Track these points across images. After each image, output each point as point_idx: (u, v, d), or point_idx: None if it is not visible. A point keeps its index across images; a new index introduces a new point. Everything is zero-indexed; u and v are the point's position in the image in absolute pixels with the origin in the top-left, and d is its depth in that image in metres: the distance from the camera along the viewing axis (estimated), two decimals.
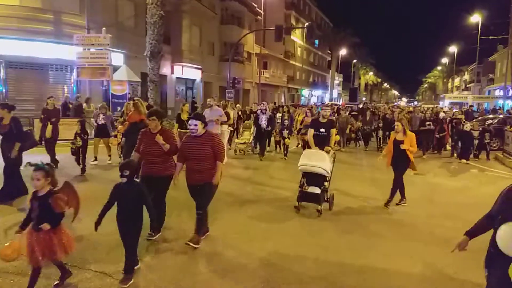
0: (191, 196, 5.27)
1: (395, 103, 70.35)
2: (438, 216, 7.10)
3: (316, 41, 61.36)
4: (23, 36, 17.15)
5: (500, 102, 36.07)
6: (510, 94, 35.61)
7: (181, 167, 5.23)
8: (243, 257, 5.00)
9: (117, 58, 19.04)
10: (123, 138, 9.94)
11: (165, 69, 24.01)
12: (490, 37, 44.60)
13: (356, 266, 4.89)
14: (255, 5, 36.09)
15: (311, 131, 7.76)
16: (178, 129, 10.43)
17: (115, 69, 17.44)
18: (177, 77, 26.05)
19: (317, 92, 65.70)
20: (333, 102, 45.72)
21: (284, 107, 17.16)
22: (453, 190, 9.32)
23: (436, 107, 37.71)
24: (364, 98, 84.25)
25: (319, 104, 39.54)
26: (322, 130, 7.57)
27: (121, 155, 10.05)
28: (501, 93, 36.90)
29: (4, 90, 17.47)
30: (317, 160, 6.87)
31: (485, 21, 42.67)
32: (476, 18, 41.84)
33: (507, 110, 26.32)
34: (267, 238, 5.65)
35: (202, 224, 5.26)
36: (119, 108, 12.35)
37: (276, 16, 42.86)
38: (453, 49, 62.09)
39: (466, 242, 3.04)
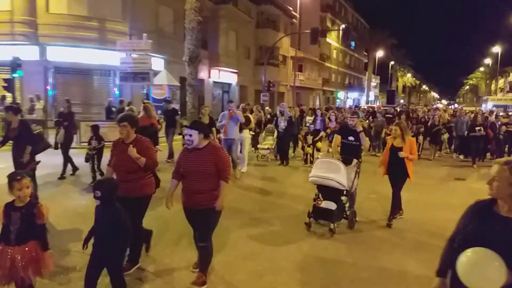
0: (188, 221, 4.34)
1: (434, 106, 68.26)
2: None
3: (352, 43, 60.46)
4: (70, 43, 18.10)
5: None
6: None
7: (176, 185, 4.22)
8: None
9: (158, 63, 19.68)
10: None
11: (203, 73, 24.54)
12: None
13: None
14: (291, 8, 36.17)
15: (337, 138, 7.02)
16: None
17: (156, 73, 18.04)
18: (214, 81, 26.57)
19: (353, 95, 64.80)
20: (369, 105, 45.00)
21: (317, 110, 16.45)
22: None
23: (479, 109, 36.37)
24: (402, 101, 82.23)
25: (353, 106, 39.10)
26: (351, 138, 6.71)
27: None
28: None
29: (53, 94, 18.48)
30: (330, 171, 5.93)
31: None
32: None
33: None
34: (262, 273, 4.63)
35: (207, 258, 4.28)
36: (159, 112, 12.75)
37: (312, 19, 42.73)
38: (496, 49, 59.51)
39: (442, 284, 2.40)
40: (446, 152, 16.06)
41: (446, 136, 15.52)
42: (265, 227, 6.29)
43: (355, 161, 6.53)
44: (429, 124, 14.84)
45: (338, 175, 5.90)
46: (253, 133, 12.81)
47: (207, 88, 25.79)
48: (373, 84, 67.06)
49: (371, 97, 66.17)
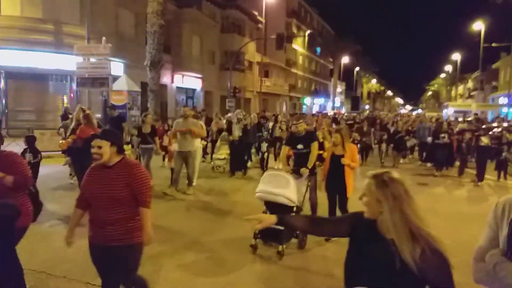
0: (93, 265, 3.23)
1: (399, 111, 70.15)
2: None
3: (318, 49, 61.39)
4: (24, 47, 17.17)
5: (504, 110, 35.81)
6: None
7: (81, 216, 3.27)
8: None
9: (117, 67, 19.00)
10: (68, 158, 8.66)
11: (166, 79, 23.95)
12: (493, 44, 44.49)
13: None
14: (256, 13, 36.17)
15: (285, 149, 6.57)
16: (141, 145, 8.97)
17: (115, 79, 17.38)
18: (177, 87, 26.01)
19: (319, 101, 65.57)
20: (335, 111, 45.57)
21: (278, 116, 15.79)
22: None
23: (440, 115, 37.49)
24: (367, 106, 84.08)
25: (319, 112, 39.28)
26: (299, 146, 6.22)
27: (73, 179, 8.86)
28: (505, 100, 36.62)
29: (3, 101, 17.42)
30: (278, 185, 5.28)
31: (487, 29, 42.58)
32: (478, 26, 41.77)
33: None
34: None
35: None
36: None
37: (277, 24, 42.91)
38: (456, 56, 61.90)
39: None
40: (409, 160, 15.55)
41: (411, 142, 15.01)
42: (203, 253, 5.45)
43: (306, 172, 6.00)
44: (391, 131, 14.40)
45: (286, 190, 5.25)
46: (205, 143, 11.92)
47: (170, 93, 25.21)
48: (338, 90, 68.13)
49: (337, 103, 67.15)
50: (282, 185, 5.28)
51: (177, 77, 25.59)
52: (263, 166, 11.87)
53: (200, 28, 27.99)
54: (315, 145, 6.19)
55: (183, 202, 8.24)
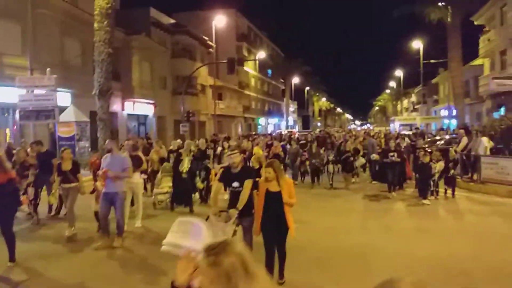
0: None
1: (348, 127, 72.58)
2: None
3: (269, 71, 62.80)
4: None
5: (446, 121, 38.09)
6: (453, 114, 37.77)
7: None
8: None
9: (64, 98, 18.44)
10: None
11: (116, 106, 23.50)
12: (431, 61, 47.53)
13: None
14: (206, 38, 36.55)
15: (217, 187, 5.70)
16: (61, 184, 8.02)
17: (62, 109, 16.84)
18: (128, 114, 25.56)
19: (274, 120, 66.69)
20: (289, 130, 46.42)
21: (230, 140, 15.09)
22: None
23: (387, 129, 39.25)
24: (319, 124, 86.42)
25: (274, 132, 39.72)
26: (235, 184, 5.42)
27: None
28: (446, 113, 39.02)
29: None
30: (187, 236, 4.43)
31: (426, 47, 45.57)
32: (417, 44, 44.59)
33: (453, 130, 27.73)
34: None
35: None
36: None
37: (228, 48, 43.60)
38: (399, 72, 65.48)
39: None
40: (360, 179, 14.95)
41: (360, 162, 14.51)
42: None
43: (234, 214, 5.08)
44: (339, 150, 14.06)
45: (197, 241, 4.62)
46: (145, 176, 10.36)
47: (121, 121, 24.72)
48: (291, 109, 69.69)
49: (290, 122, 68.53)
50: (194, 235, 4.17)
51: (128, 104, 25.19)
52: (202, 198, 10.85)
53: (150, 54, 27.87)
54: (248, 183, 5.32)
55: (116, 251, 7.06)
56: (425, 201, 10.45)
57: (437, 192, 11.14)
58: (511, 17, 24.84)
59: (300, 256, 6.60)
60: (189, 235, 3.78)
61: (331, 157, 13.57)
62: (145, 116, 28.10)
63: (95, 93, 17.54)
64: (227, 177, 5.62)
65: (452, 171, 11.30)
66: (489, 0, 28.41)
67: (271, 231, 5.20)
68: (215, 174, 10.74)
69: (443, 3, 26.40)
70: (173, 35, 32.64)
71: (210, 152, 13.00)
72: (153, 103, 27.56)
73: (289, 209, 5.26)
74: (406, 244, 7.21)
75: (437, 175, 10.89)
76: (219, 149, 13.51)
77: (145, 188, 11.12)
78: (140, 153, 9.24)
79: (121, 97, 24.63)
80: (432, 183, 10.88)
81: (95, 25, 16.46)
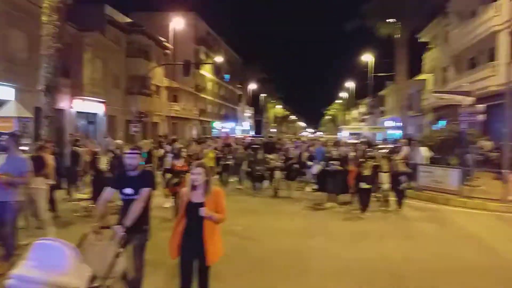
0: None
1: (300, 134, 74.10)
2: None
3: (226, 76, 62.96)
4: None
5: (390, 132, 39.99)
6: (398, 125, 39.72)
7: None
8: None
9: (8, 92, 17.55)
10: None
11: (63, 103, 22.58)
12: (380, 74, 49.79)
13: None
14: (164, 39, 36.09)
15: (106, 194, 4.52)
16: None
17: (2, 104, 15.99)
18: (77, 111, 24.64)
19: (229, 125, 66.79)
20: (246, 135, 46.70)
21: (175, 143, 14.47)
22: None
23: (335, 138, 40.47)
24: (274, 130, 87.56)
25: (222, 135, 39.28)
26: (128, 190, 4.40)
27: None
28: (391, 124, 40.97)
29: None
30: (44, 265, 3.27)
31: (376, 60, 47.71)
32: (368, 58, 46.59)
33: (396, 140, 29.14)
34: None
35: None
36: None
37: (186, 51, 43.24)
38: (349, 84, 67.97)
39: None
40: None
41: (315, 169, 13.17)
42: None
43: (119, 230, 4.07)
44: (284, 157, 13.72)
45: (55, 272, 3.25)
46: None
47: (68, 119, 23.77)
48: (247, 114, 70.18)
49: (246, 127, 68.97)
50: (50, 264, 3.27)
51: (77, 101, 24.27)
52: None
53: (104, 52, 27.09)
54: (145, 193, 4.39)
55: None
56: (362, 215, 9.88)
57: (386, 201, 10.53)
58: (454, 35, 26.62)
59: (242, 257, 6.78)
60: (45, 263, 3.02)
61: (278, 164, 12.95)
62: (95, 115, 27.20)
63: (41, 89, 16.84)
64: (119, 181, 4.52)
65: (403, 185, 10.46)
66: (434, 19, 30.31)
67: (188, 253, 4.07)
68: None
69: (392, 20, 27.83)
70: (129, 34, 31.92)
71: (155, 154, 12.59)
72: (103, 102, 26.75)
73: (214, 226, 4.10)
74: (342, 247, 7.56)
75: (385, 186, 10.27)
76: (161, 151, 12.77)
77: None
78: (46, 155, 8.00)
79: (70, 94, 23.72)
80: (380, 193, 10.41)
81: (44, 18, 15.79)
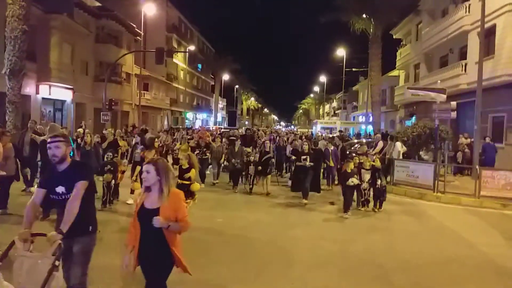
0: None
1: (274, 127, 74.30)
2: None
3: (199, 65, 62.08)
4: None
5: (363, 127, 40.65)
6: (370, 120, 40.44)
7: None
8: None
9: None
10: None
11: (29, 89, 21.51)
12: (353, 69, 50.46)
13: None
14: (134, 25, 34.99)
15: (34, 197, 3.62)
16: None
17: None
18: (43, 98, 23.53)
19: (202, 116, 66.04)
20: (218, 126, 46.23)
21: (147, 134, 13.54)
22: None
23: (308, 131, 40.80)
24: (247, 122, 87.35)
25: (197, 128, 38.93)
26: (60, 189, 3.57)
27: None
28: (364, 119, 41.62)
29: None
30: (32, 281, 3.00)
31: (350, 55, 48.30)
32: (341, 52, 47.03)
33: (368, 134, 29.60)
34: None
35: None
36: None
37: (157, 38, 42.23)
38: (323, 78, 68.59)
39: None
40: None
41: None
42: None
43: (54, 238, 3.20)
44: (259, 151, 13.07)
45: None
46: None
47: (34, 105, 22.68)
48: (220, 106, 69.60)
49: (219, 118, 68.41)
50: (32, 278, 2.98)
51: (43, 87, 23.16)
52: (105, 202, 9.01)
53: (72, 36, 25.93)
54: (78, 188, 3.49)
55: None
56: (345, 215, 9.26)
57: (367, 202, 10.06)
58: (426, 33, 27.16)
59: (224, 250, 6.67)
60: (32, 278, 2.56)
61: (252, 158, 12.12)
62: (63, 102, 26.09)
63: (5, 72, 15.99)
64: (49, 180, 3.65)
65: (379, 182, 9.95)
66: (407, 17, 30.83)
67: (145, 268, 3.53)
68: (122, 172, 9.56)
69: (367, 15, 28.10)
70: (98, 18, 30.70)
71: (123, 144, 11.58)
72: (71, 88, 25.68)
73: (174, 237, 3.46)
74: (324, 239, 7.53)
75: (365, 185, 9.85)
76: (126, 142, 12.03)
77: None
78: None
79: (36, 79, 22.60)
80: (362, 192, 9.92)
81: None
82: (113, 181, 9.01)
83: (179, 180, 7.95)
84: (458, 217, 10.16)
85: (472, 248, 7.41)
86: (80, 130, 12.19)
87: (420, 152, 15.43)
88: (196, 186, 7.80)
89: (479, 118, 14.50)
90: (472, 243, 7.72)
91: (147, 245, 3.42)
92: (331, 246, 7.12)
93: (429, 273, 6.03)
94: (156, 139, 11.41)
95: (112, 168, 9.02)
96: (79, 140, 11.39)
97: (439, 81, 18.73)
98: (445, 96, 13.99)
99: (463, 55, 22.69)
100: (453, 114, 14.03)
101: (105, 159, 9.32)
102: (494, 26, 18.68)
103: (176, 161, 11.40)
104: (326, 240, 7.39)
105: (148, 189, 3.46)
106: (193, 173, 7.86)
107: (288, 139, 18.72)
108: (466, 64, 21.30)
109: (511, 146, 17.67)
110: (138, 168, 8.70)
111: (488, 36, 18.43)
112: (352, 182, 9.37)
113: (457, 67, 22.02)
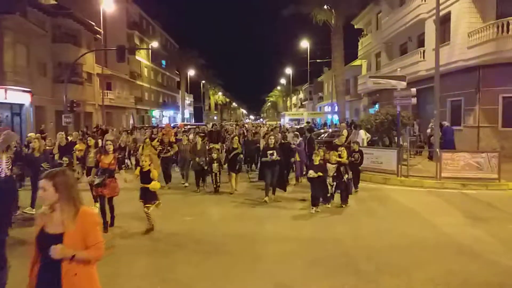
0: None
1: (244, 121, 74.27)
2: None
3: (163, 62, 61.05)
4: None
5: (329, 116, 41.24)
6: (336, 110, 41.08)
7: None
8: None
9: None
10: None
11: None
12: (317, 60, 50.99)
13: None
14: (93, 23, 33.93)
15: None
16: None
17: None
18: (0, 102, 22.49)
19: (169, 113, 65.09)
20: (185, 123, 45.71)
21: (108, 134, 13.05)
22: None
23: (277, 123, 41.01)
24: (215, 117, 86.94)
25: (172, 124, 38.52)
26: None
27: None
28: (329, 109, 42.23)
29: None
30: None
31: (313, 46, 48.70)
32: (305, 44, 47.39)
33: (335, 124, 30.08)
34: None
35: None
36: None
37: (118, 36, 41.14)
38: (288, 70, 68.97)
39: None
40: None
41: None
42: None
43: None
44: (225, 147, 12.45)
45: None
46: None
47: None
48: (187, 102, 68.82)
49: (187, 115, 67.67)
50: None
51: None
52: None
53: (26, 36, 24.84)
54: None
55: None
56: (313, 209, 8.89)
57: (332, 197, 9.55)
58: (385, 23, 27.77)
59: (192, 248, 6.63)
60: None
61: (215, 155, 11.18)
62: (21, 106, 25.01)
63: None
64: None
65: (346, 176, 9.41)
66: (367, 7, 31.40)
67: None
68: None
69: (328, 6, 28.39)
70: (54, 17, 29.48)
71: (83, 148, 10.23)
72: (29, 91, 24.65)
73: (86, 271, 2.75)
74: (292, 233, 7.58)
75: (330, 180, 9.33)
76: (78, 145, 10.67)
77: None
78: None
79: None
80: (328, 188, 9.36)
81: None
82: None
83: (141, 184, 7.64)
84: (420, 199, 10.50)
85: (434, 229, 7.68)
86: (32, 134, 11.48)
87: (386, 139, 15.82)
88: (156, 185, 7.46)
89: (437, 103, 15.01)
90: (434, 224, 8.00)
91: (46, 281, 2.66)
92: (299, 239, 7.17)
93: (393, 257, 6.19)
94: (109, 141, 10.00)
95: None
96: (31, 145, 10.33)
97: (399, 69, 19.18)
98: (405, 83, 14.37)
99: (421, 43, 23.37)
100: (414, 100, 14.40)
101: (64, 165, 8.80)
102: (449, 13, 19.33)
103: (139, 163, 10.68)
104: (294, 234, 7.44)
105: (51, 208, 2.76)
106: (154, 174, 7.54)
107: (255, 132, 18.42)
108: (424, 51, 21.96)
109: (468, 128, 18.42)
110: (94, 171, 8.08)
111: (444, 23, 19.07)
112: (311, 174, 8.88)
113: (416, 55, 22.67)
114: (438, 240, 6.96)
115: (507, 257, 6.06)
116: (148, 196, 7.53)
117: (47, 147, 11.03)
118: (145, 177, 7.57)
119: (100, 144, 9.64)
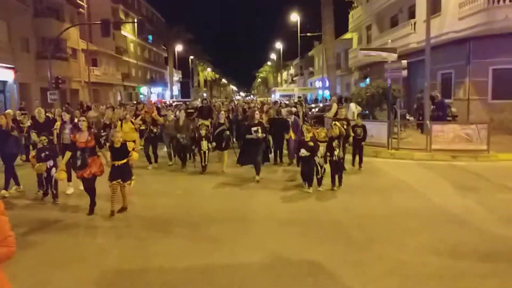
0: None
1: (234, 98, 73.63)
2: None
3: (150, 37, 59.65)
4: None
5: (320, 92, 41.03)
6: (327, 85, 40.84)
7: None
8: None
9: None
10: None
11: None
12: (308, 34, 50.27)
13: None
14: None
15: None
16: None
17: None
18: None
19: (157, 90, 64.20)
20: (175, 99, 45.14)
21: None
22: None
23: (267, 99, 40.75)
24: (205, 94, 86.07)
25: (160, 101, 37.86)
26: None
27: None
28: (320, 84, 41.98)
29: None
30: None
31: (303, 20, 47.93)
32: (295, 17, 46.58)
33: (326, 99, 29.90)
34: None
35: None
36: None
37: (102, 10, 39.97)
38: (279, 45, 68.03)
39: None
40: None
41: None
42: None
43: None
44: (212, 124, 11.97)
45: None
46: None
47: None
48: (175, 78, 67.73)
49: (175, 92, 66.79)
50: None
51: None
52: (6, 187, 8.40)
53: (6, 12, 23.98)
54: None
55: None
56: (306, 189, 8.38)
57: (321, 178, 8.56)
58: None
59: (182, 221, 6.59)
60: None
61: (203, 132, 10.44)
62: (4, 83, 24.39)
63: None
64: None
65: (336, 152, 8.46)
66: None
67: None
68: (34, 156, 7.82)
69: None
70: None
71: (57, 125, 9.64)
72: (12, 68, 23.99)
73: None
74: (283, 202, 7.59)
75: (320, 160, 8.39)
76: (58, 123, 9.77)
77: None
78: None
79: None
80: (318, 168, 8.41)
81: None
82: (54, 170, 7.66)
83: (114, 162, 6.91)
84: (411, 171, 10.53)
85: (424, 199, 7.71)
86: (10, 111, 10.93)
87: (377, 112, 15.74)
88: (135, 155, 6.95)
89: (428, 76, 14.90)
90: (424, 194, 8.03)
91: None
92: (290, 211, 7.15)
93: (384, 226, 6.22)
94: (83, 117, 8.16)
95: (52, 154, 7.79)
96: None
97: (390, 41, 19.00)
98: (396, 55, 14.21)
99: (412, 14, 23.05)
100: (404, 73, 14.26)
101: (41, 145, 7.85)
102: None
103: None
104: (285, 207, 7.43)
105: None
106: (130, 145, 6.90)
107: (248, 108, 17.60)
108: (415, 23, 21.67)
109: (459, 101, 18.41)
110: (68, 154, 7.25)
111: None
112: (303, 153, 8.20)
113: (406, 26, 22.39)
114: (428, 210, 6.99)
115: (495, 225, 6.11)
116: (125, 174, 6.96)
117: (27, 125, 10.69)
118: (119, 154, 6.89)
119: (76, 120, 8.77)
